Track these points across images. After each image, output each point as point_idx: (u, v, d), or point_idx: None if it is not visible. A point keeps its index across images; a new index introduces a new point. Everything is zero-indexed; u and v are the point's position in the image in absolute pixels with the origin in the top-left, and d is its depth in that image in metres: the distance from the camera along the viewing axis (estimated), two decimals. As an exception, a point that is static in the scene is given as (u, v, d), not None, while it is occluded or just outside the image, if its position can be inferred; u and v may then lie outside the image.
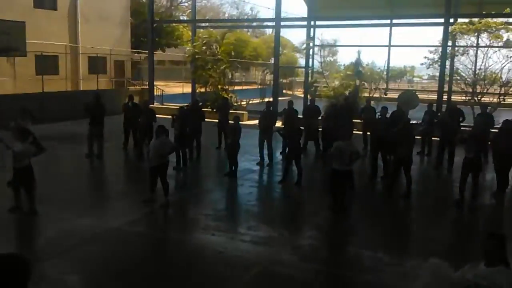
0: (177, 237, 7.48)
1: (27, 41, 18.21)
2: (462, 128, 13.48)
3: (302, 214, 8.94)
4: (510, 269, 3.44)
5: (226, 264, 6.44)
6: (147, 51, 25.46)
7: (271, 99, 20.02)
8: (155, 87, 25.55)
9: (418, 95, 16.47)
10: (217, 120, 14.68)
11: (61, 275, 6.01)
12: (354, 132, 13.80)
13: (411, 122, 11.89)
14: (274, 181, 11.09)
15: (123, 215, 8.28)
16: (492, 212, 9.53)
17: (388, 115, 12.18)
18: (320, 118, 14.23)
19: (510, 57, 16.93)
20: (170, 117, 12.40)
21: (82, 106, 13.08)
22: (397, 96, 16.02)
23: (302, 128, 11.26)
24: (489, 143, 11.39)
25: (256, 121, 13.59)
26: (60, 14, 24.22)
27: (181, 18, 39.91)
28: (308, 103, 16.49)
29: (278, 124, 15.06)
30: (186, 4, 41.20)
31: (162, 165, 8.86)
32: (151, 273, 6.18)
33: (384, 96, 21.76)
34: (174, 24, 34.60)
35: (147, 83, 25.90)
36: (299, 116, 14.09)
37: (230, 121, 13.34)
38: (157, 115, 13.61)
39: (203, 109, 15.43)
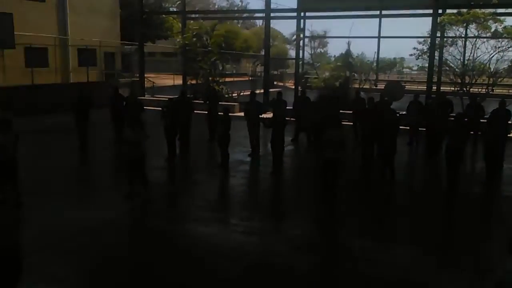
0: (170, 229, 7.54)
1: (15, 33, 18.04)
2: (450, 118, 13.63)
3: (294, 204, 9.03)
4: None
5: (219, 255, 6.50)
6: (137, 43, 25.32)
7: (261, 91, 20.02)
8: (145, 79, 25.42)
9: (405, 86, 16.53)
10: (206, 112, 14.67)
11: (54, 267, 6.05)
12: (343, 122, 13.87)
13: (397, 112, 12.02)
14: (266, 172, 11.16)
15: (115, 207, 8.31)
16: (480, 201, 9.69)
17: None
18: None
19: (498, 47, 17.07)
20: (160, 109, 12.41)
21: (70, 105, 13.09)
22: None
23: (287, 119, 11.21)
24: (479, 133, 11.57)
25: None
26: (49, 6, 23.96)
27: (171, 9, 39.60)
28: (299, 94, 16.53)
29: (268, 115, 15.08)
30: (176, -5, 40.87)
31: (139, 157, 8.70)
32: (144, 265, 6.24)
33: (374, 87, 21.86)
34: (164, 15, 34.39)
35: (137, 75, 25.80)
36: (288, 107, 14.10)
37: (219, 113, 13.33)
38: (148, 107, 13.58)
39: (193, 100, 15.39)
